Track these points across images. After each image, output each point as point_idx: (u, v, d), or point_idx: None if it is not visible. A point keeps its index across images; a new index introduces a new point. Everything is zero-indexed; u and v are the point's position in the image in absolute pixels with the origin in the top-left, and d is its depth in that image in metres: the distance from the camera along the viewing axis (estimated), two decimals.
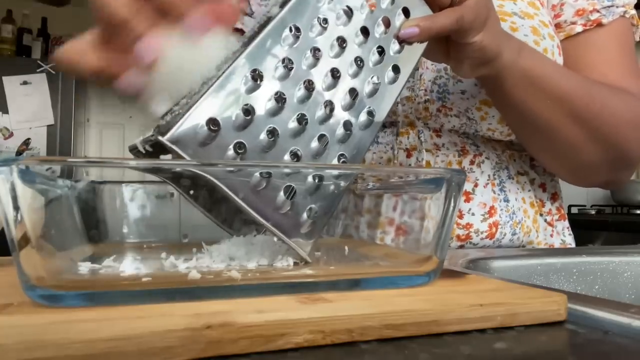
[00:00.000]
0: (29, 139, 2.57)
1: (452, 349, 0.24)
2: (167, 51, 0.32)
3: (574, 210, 2.35)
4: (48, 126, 2.60)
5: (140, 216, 0.41)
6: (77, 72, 0.32)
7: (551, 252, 0.60)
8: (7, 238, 0.24)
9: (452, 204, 0.32)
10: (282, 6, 0.36)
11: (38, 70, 2.59)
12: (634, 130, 0.60)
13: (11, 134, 2.55)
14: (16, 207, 0.24)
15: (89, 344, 0.20)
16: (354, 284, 0.30)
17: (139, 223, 0.41)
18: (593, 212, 2.27)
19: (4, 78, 2.54)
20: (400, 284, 0.31)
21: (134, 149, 0.33)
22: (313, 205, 0.35)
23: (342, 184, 0.36)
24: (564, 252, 0.60)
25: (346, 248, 0.41)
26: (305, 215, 0.34)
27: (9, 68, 2.57)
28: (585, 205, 2.41)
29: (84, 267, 0.30)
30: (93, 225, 0.38)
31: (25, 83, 2.57)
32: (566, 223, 0.74)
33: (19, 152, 2.53)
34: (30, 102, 2.57)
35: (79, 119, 2.89)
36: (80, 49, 0.32)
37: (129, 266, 0.30)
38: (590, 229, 1.91)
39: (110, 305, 0.25)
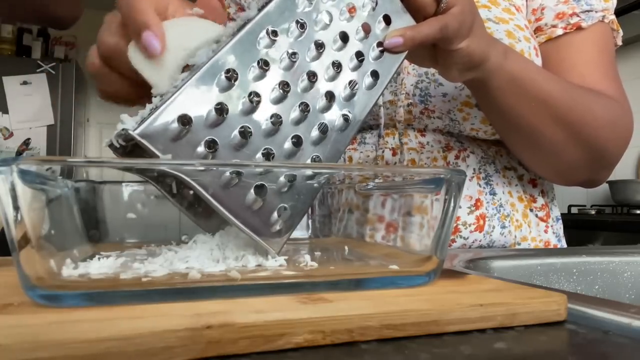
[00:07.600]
0: (29, 139, 2.57)
1: (452, 349, 0.24)
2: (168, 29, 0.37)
3: (574, 210, 2.34)
4: (48, 126, 2.60)
5: (140, 216, 0.41)
6: (98, 46, 0.40)
7: (551, 252, 0.60)
8: (7, 238, 0.24)
9: (452, 204, 0.32)
10: (260, 9, 0.36)
11: (38, 70, 2.59)
12: (612, 132, 0.62)
13: (11, 134, 2.56)
14: (16, 207, 0.24)
15: (89, 344, 0.20)
16: (354, 284, 0.30)
17: (139, 223, 0.41)
18: (593, 212, 2.27)
19: (4, 78, 2.54)
20: (400, 284, 0.31)
21: (110, 145, 0.33)
22: (284, 205, 0.35)
23: (316, 184, 0.36)
24: (564, 252, 0.60)
25: (346, 248, 0.41)
26: (276, 214, 0.34)
27: (9, 68, 2.57)
28: (585, 205, 2.41)
29: (84, 268, 0.30)
30: (93, 225, 0.38)
31: (25, 83, 2.57)
32: (559, 220, 0.75)
33: (19, 152, 2.54)
34: (30, 102, 2.57)
35: (79, 119, 2.89)
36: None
37: (128, 266, 0.30)
38: (590, 229, 1.90)
39: (110, 305, 0.25)
